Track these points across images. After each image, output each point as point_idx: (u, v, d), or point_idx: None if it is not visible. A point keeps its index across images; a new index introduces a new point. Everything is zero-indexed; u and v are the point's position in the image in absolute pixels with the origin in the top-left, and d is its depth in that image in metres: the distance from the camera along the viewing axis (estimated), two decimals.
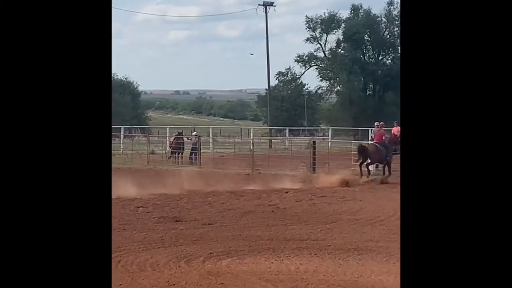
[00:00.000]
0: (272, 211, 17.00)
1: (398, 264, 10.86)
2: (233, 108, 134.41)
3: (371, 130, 34.59)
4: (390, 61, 70.74)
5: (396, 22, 69.12)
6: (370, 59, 70.53)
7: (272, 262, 11.08)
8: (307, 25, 70.82)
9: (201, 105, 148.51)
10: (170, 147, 34.84)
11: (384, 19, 70.30)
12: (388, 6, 69.54)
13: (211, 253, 11.73)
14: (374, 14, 70.02)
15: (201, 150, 33.27)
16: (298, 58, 71.97)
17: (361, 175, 25.18)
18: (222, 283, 9.77)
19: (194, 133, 36.44)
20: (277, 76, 74.76)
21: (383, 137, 27.14)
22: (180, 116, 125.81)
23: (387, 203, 18.40)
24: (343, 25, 69.88)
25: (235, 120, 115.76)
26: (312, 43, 71.33)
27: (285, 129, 57.25)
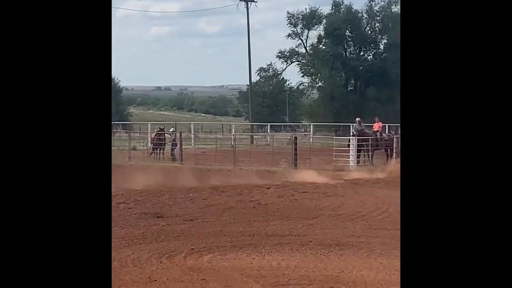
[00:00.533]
0: (254, 207, 17.01)
1: (380, 260, 10.94)
2: (214, 104, 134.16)
3: (353, 125, 34.70)
4: (371, 56, 70.92)
5: (377, 18, 69.30)
6: (352, 55, 70.64)
7: (253, 258, 11.09)
8: (289, 21, 70.85)
9: (182, 101, 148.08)
10: (151, 143, 34.78)
11: (365, 15, 70.43)
12: (369, 2, 69.72)
13: (192, 249, 11.72)
14: (355, 10, 70.13)
15: (183, 146, 33.23)
16: (279, 54, 72.02)
17: None
18: (204, 279, 9.76)
19: (172, 129, 36.48)
20: (258, 72, 74.78)
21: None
22: (162, 112, 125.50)
23: (369, 198, 18.48)
24: (324, 21, 69.91)
25: (217, 116, 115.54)
26: (294, 39, 71.43)
27: (267, 125, 57.25)
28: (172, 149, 33.13)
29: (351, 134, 32.99)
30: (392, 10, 68.25)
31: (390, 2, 68.25)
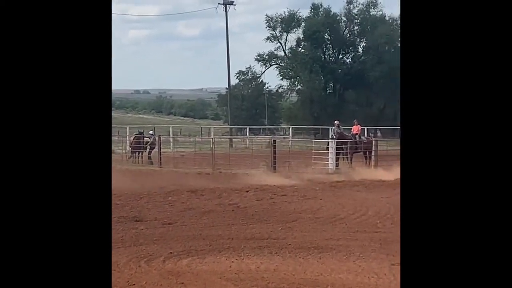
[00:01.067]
0: (233, 210, 17.00)
1: (358, 262, 10.96)
2: (193, 107, 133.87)
3: (332, 128, 34.73)
4: (350, 59, 70.99)
5: (356, 21, 69.46)
6: (330, 58, 70.65)
7: (232, 261, 11.08)
8: (267, 24, 70.71)
9: (161, 105, 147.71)
10: (130, 146, 34.67)
11: (343, 18, 70.49)
12: (348, 5, 69.75)
13: (171, 252, 11.70)
14: (334, 13, 70.11)
15: (162, 150, 33.14)
16: (258, 57, 71.86)
17: None
18: (182, 283, 9.75)
19: (150, 132, 36.48)
20: (237, 75, 74.65)
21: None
22: (141, 116, 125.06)
23: (347, 201, 18.50)
24: (303, 24, 69.87)
25: (196, 119, 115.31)
26: (273, 42, 71.28)
27: (246, 128, 57.23)
28: (149, 152, 33.08)
29: (330, 137, 32.98)
30: (371, 13, 68.49)
31: (369, 5, 68.43)
